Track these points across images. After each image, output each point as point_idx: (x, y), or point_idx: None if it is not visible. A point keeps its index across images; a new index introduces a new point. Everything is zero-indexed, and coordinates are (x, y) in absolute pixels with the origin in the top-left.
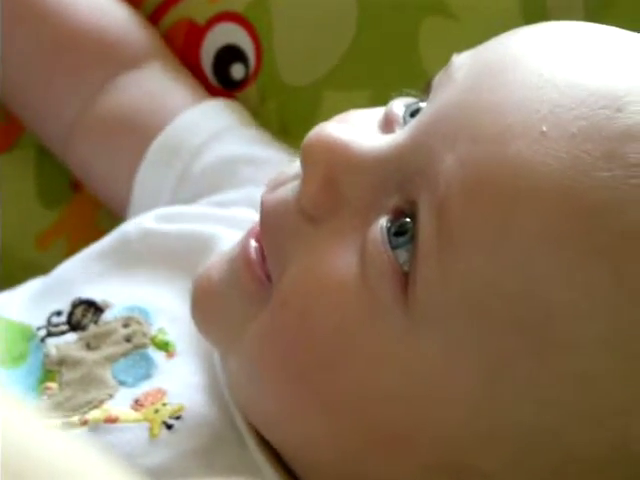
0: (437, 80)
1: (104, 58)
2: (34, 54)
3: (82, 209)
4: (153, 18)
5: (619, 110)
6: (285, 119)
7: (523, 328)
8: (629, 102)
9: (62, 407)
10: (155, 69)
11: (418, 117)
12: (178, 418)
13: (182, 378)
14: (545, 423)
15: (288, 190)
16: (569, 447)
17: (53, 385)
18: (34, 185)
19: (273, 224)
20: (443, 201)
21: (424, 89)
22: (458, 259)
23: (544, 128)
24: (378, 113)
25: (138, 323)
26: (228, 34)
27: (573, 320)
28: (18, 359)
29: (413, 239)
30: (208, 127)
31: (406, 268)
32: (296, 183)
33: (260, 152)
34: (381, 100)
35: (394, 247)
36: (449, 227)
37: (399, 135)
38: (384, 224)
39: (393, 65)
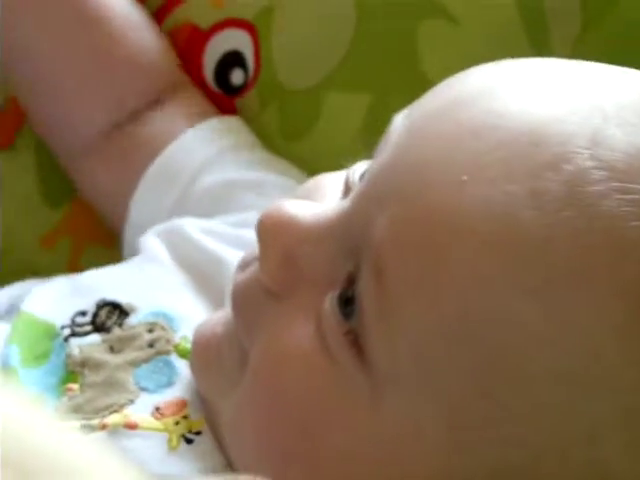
0: (380, 143)
1: (139, 85)
2: (69, 59)
3: (86, 208)
4: (154, 19)
5: (537, 145)
6: (286, 123)
7: (469, 370)
8: (547, 134)
9: (82, 409)
10: (181, 102)
11: (361, 182)
12: (198, 433)
13: None
14: (514, 461)
15: (253, 268)
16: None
17: (74, 386)
18: (37, 184)
19: (242, 303)
20: (377, 262)
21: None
22: (399, 314)
23: (464, 177)
24: (344, 177)
25: (162, 329)
26: (232, 40)
27: (514, 357)
28: (41, 357)
29: (357, 303)
30: (205, 150)
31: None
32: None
33: (258, 176)
34: (382, 102)
35: (347, 315)
36: (386, 286)
37: (344, 202)
38: (335, 296)
39: (392, 67)
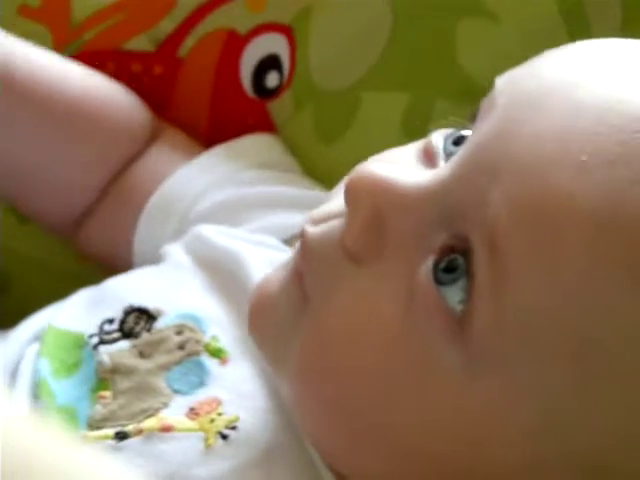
0: (482, 107)
1: (115, 147)
2: (42, 135)
3: None
4: (186, 25)
5: None
6: (322, 125)
7: (575, 356)
8: None
9: (116, 416)
10: (162, 148)
11: (462, 149)
12: (234, 428)
13: (236, 385)
14: (604, 449)
15: (332, 225)
16: (631, 472)
17: (107, 394)
18: None
19: (316, 258)
20: (493, 236)
21: (469, 118)
22: (512, 293)
23: (584, 157)
24: (415, 148)
25: (191, 330)
26: (271, 44)
27: (625, 349)
28: (72, 367)
29: (467, 276)
30: (201, 180)
31: (458, 308)
32: (340, 221)
33: (261, 191)
34: (420, 101)
35: (443, 284)
36: (501, 263)
37: (443, 169)
38: (430, 265)
39: (430, 66)
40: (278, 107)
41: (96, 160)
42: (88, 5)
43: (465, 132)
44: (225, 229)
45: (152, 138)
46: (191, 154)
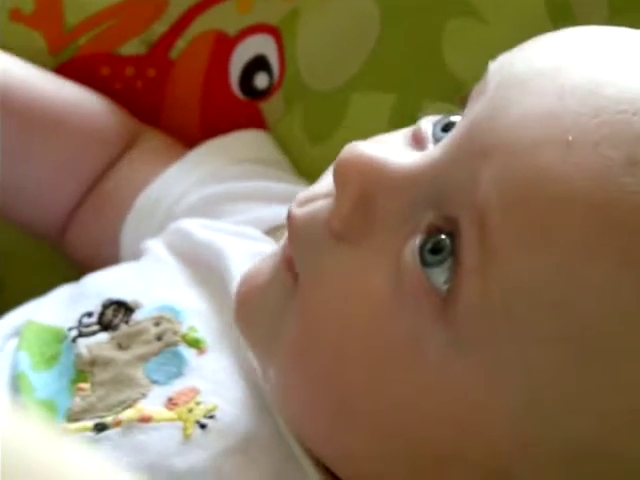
0: (474, 91)
1: (93, 152)
2: (22, 147)
3: None
4: (177, 27)
5: (636, 113)
6: (311, 125)
7: (566, 339)
8: None
9: (95, 408)
10: (143, 151)
11: (453, 132)
12: (212, 417)
13: (214, 375)
14: (591, 433)
15: (318, 206)
16: (617, 455)
17: (85, 386)
18: None
19: (302, 238)
20: (483, 217)
21: (459, 103)
22: (501, 272)
23: (570, 138)
24: (405, 132)
25: (169, 321)
26: (259, 45)
27: (607, 328)
28: (51, 360)
29: (453, 256)
30: (188, 177)
31: (444, 288)
32: (327, 201)
33: (247, 186)
34: (408, 102)
35: (429, 265)
36: (490, 242)
37: (433, 150)
38: (416, 245)
39: (418, 67)
40: (270, 107)
41: (71, 166)
42: (81, 10)
43: (454, 118)
44: (206, 221)
45: (130, 142)
46: (172, 156)
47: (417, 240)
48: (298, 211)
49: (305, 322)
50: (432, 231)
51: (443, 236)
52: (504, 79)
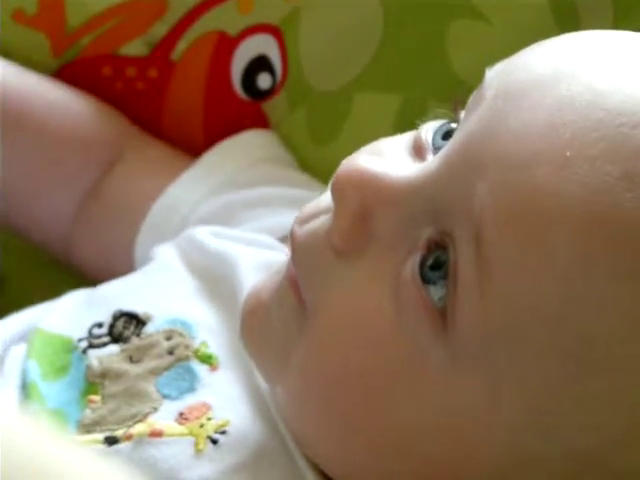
0: (472, 99)
1: (89, 161)
2: (28, 163)
3: None
4: (179, 28)
5: (635, 127)
6: (315, 126)
7: (564, 354)
8: None
9: (106, 420)
10: (134, 158)
11: (449, 143)
12: (223, 433)
13: (226, 391)
14: (590, 444)
15: (319, 223)
16: (618, 469)
17: (96, 398)
18: None
19: (305, 257)
20: (478, 232)
21: (452, 107)
22: (498, 288)
23: (568, 153)
24: (407, 139)
25: (181, 335)
26: (260, 45)
27: (607, 342)
28: (60, 371)
29: (448, 272)
30: (203, 184)
31: (440, 305)
32: (327, 217)
33: (261, 192)
34: (412, 102)
35: (429, 282)
36: (487, 257)
37: (431, 163)
38: (416, 263)
39: (422, 67)
40: (273, 108)
41: (53, 174)
42: (83, 11)
43: (454, 125)
44: (219, 229)
45: (118, 148)
46: (176, 164)
47: (417, 257)
48: (300, 230)
49: (311, 342)
50: (432, 247)
51: (442, 251)
52: (502, 89)
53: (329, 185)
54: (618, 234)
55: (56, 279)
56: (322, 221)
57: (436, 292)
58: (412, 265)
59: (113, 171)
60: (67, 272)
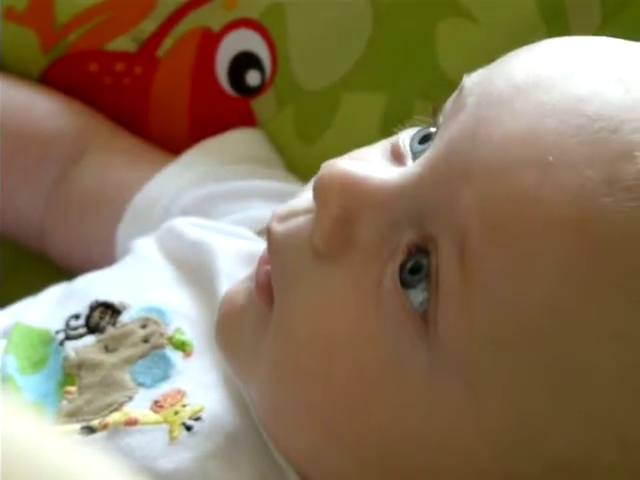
0: (451, 105)
1: (50, 155)
2: None
3: None
4: (166, 25)
5: (614, 131)
6: (303, 124)
7: (548, 364)
8: (623, 121)
9: (82, 411)
10: (102, 150)
11: (432, 148)
12: (197, 419)
13: (200, 377)
14: (574, 456)
15: (299, 223)
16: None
17: (73, 389)
18: None
19: (282, 257)
20: (462, 239)
21: (432, 113)
22: (482, 297)
23: (550, 158)
24: (385, 146)
25: (155, 324)
26: (244, 41)
27: (590, 353)
28: (38, 364)
29: (429, 277)
30: (185, 176)
31: (422, 309)
32: (307, 217)
33: (240, 185)
34: (400, 102)
35: (409, 285)
36: (471, 266)
37: (413, 168)
38: (396, 266)
39: (410, 66)
40: (261, 105)
41: (14, 169)
42: (71, 6)
43: (433, 129)
44: (199, 220)
45: (83, 141)
46: (150, 157)
47: (397, 261)
48: (278, 227)
49: (283, 346)
50: (412, 250)
51: (422, 255)
52: (483, 97)
53: (309, 184)
54: (599, 239)
55: (50, 277)
56: (303, 222)
57: (416, 296)
58: (392, 269)
59: (82, 164)
60: (58, 270)
